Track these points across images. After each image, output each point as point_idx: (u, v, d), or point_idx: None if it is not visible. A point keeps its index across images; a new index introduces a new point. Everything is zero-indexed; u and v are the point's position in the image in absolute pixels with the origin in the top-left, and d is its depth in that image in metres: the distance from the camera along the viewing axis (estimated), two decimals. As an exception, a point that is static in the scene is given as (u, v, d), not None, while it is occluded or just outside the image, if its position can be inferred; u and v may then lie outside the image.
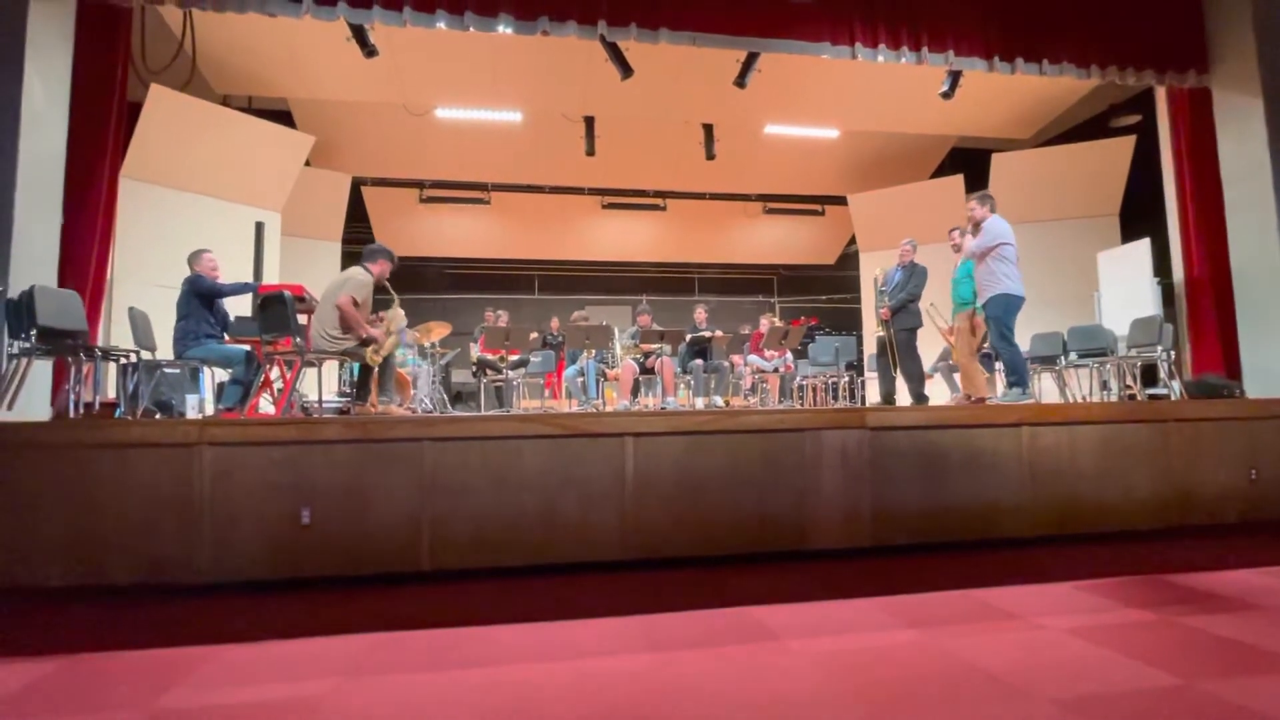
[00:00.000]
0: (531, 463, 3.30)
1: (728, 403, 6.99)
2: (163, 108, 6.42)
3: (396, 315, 4.63)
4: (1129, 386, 6.00)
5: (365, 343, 4.42)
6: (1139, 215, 7.89)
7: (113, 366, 4.80)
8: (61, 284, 4.40)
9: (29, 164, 4.20)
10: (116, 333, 5.89)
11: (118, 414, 4.44)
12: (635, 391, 6.63)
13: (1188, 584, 2.92)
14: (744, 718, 1.75)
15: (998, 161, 8.41)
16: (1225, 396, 4.94)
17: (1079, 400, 6.20)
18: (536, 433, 3.33)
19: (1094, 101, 8.47)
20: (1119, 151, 8.12)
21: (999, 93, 7.82)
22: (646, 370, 6.57)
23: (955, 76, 6.65)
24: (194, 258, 4.67)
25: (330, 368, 6.50)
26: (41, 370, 4.30)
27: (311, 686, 1.99)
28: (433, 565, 3.16)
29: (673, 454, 3.43)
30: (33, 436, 3.07)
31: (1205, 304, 6.04)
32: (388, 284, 4.66)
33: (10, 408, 3.87)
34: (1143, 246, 6.79)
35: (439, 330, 7.13)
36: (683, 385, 6.92)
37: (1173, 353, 5.67)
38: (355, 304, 4.33)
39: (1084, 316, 7.17)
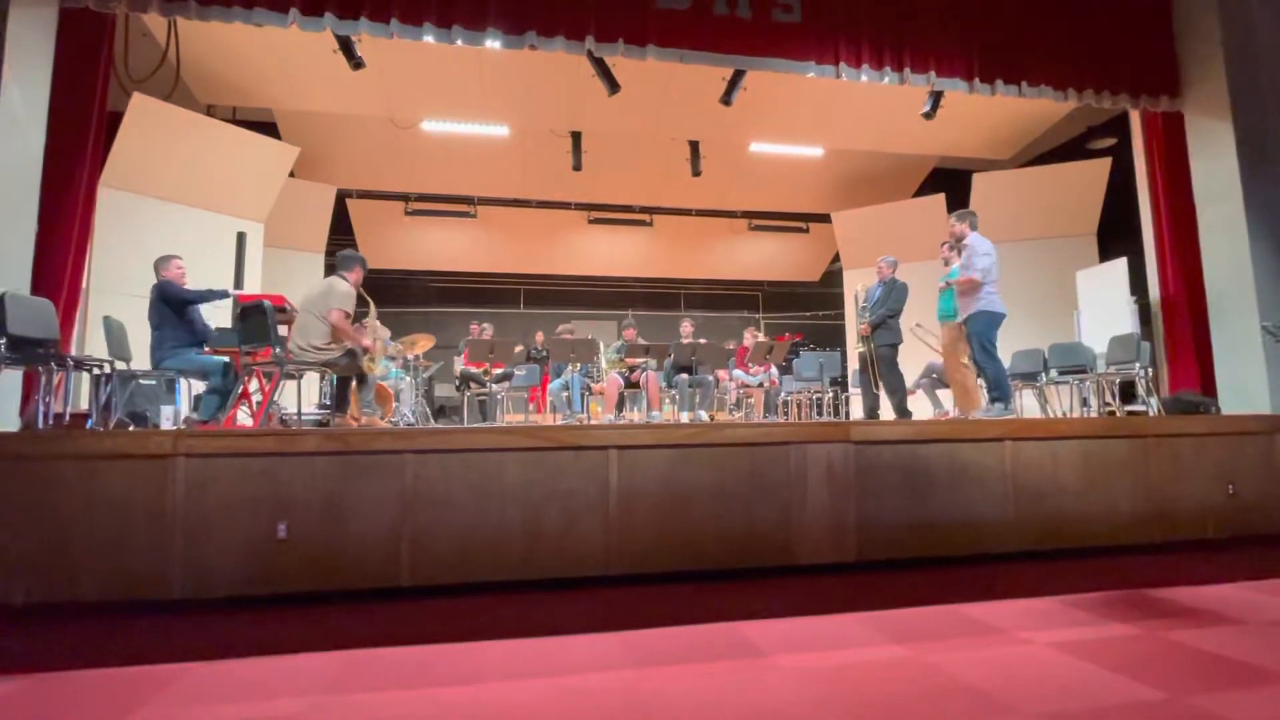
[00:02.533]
0: (515, 476, 3.26)
1: (712, 417, 6.99)
2: (144, 117, 6.35)
3: (377, 328, 4.60)
4: (1108, 403, 6.08)
5: (350, 354, 4.39)
6: (1116, 235, 8.05)
7: (86, 377, 4.69)
8: (35, 292, 4.30)
9: (4, 170, 4.13)
10: (92, 343, 5.77)
11: (89, 425, 4.33)
12: (620, 405, 6.60)
13: (1170, 598, 2.93)
14: (730, 735, 1.72)
15: (979, 181, 8.56)
16: (1202, 413, 5.02)
17: (1060, 416, 6.27)
18: (520, 445, 3.29)
19: (1071, 124, 8.67)
20: (1096, 173, 8.30)
21: (979, 114, 7.98)
22: (631, 384, 6.55)
23: (937, 97, 6.77)
24: (161, 262, 4.58)
25: (310, 380, 6.41)
26: (11, 380, 4.19)
27: (286, 705, 1.93)
28: (413, 580, 3.10)
29: (658, 468, 3.40)
30: (0, 448, 2.98)
31: (1181, 322, 6.16)
32: (364, 292, 4.63)
33: (-23, 418, 3.77)
34: (1120, 266, 6.92)
35: (423, 343, 7.07)
36: (668, 399, 6.90)
37: (1150, 370, 5.76)
38: (346, 316, 4.32)
39: (1064, 334, 7.27)
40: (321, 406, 6.34)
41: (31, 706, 1.95)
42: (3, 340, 3.73)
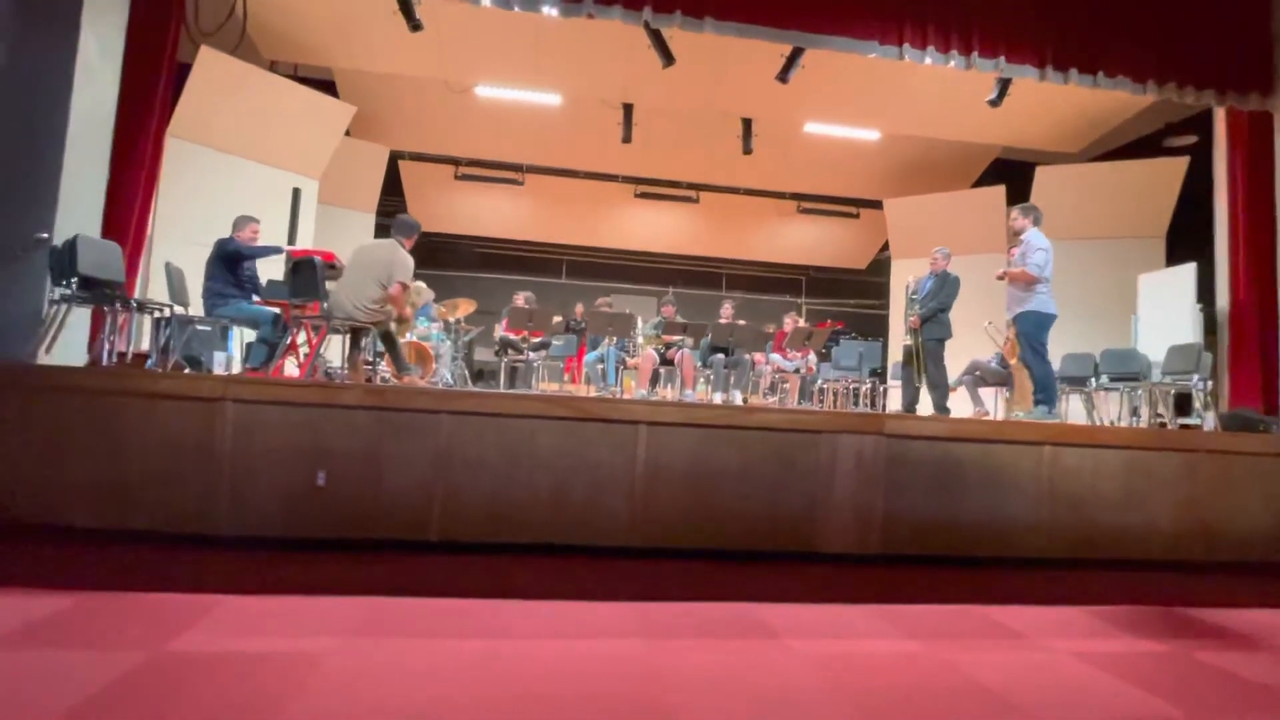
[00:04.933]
0: (545, 443, 3.32)
1: (746, 400, 6.95)
2: (211, 69, 6.52)
3: (421, 290, 4.69)
4: (1160, 414, 5.84)
5: (389, 320, 4.51)
6: (1186, 239, 7.64)
7: (148, 319, 4.92)
8: (104, 236, 4.52)
9: (80, 117, 4.30)
10: (154, 287, 6.03)
11: (149, 365, 4.55)
12: (654, 382, 6.61)
13: (1203, 619, 2.85)
14: (736, 710, 1.75)
15: (1042, 174, 8.19)
16: (1261, 432, 4.78)
17: (1106, 424, 6.05)
18: (553, 414, 3.34)
19: (1149, 119, 8.19)
20: (1171, 172, 7.86)
21: (1049, 104, 7.60)
22: (667, 362, 6.56)
23: (1004, 84, 6.47)
24: (240, 222, 4.72)
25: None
26: (80, 318, 4.42)
27: (314, 643, 2.03)
28: (441, 536, 3.20)
29: (686, 446, 3.42)
30: (68, 381, 3.17)
31: (1249, 334, 5.85)
32: None
33: (49, 352, 4.00)
34: (1187, 271, 6.57)
35: (465, 307, 7.19)
36: (702, 379, 6.89)
37: (1209, 383, 5.49)
38: (405, 288, 4.44)
39: (1119, 339, 6.97)
40: (365, 363, 6.53)
41: (82, 623, 2.10)
42: (74, 279, 3.94)
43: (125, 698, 1.63)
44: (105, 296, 4.15)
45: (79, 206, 4.34)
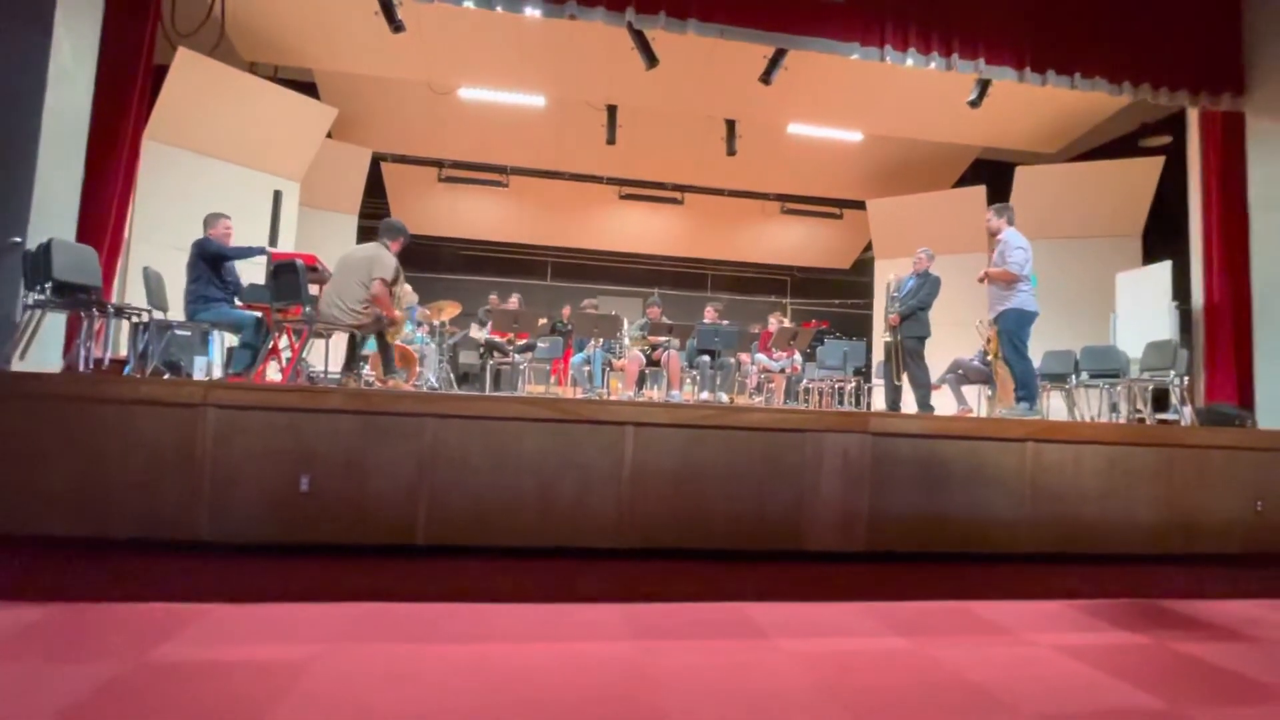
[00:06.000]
0: (532, 445, 3.30)
1: (732, 400, 6.97)
2: (189, 71, 6.43)
3: (406, 293, 4.66)
4: (1139, 410, 5.94)
5: (377, 319, 4.47)
6: (1162, 238, 7.78)
7: (125, 324, 4.85)
8: (80, 240, 4.43)
9: (54, 120, 4.22)
10: (131, 292, 5.93)
11: (126, 371, 4.48)
12: (640, 383, 6.62)
13: (1184, 611, 2.89)
14: (726, 710, 1.75)
15: (1021, 174, 8.31)
16: (1237, 425, 4.88)
17: (1086, 420, 6.14)
18: (538, 416, 3.33)
19: (1125, 119, 8.34)
20: (1146, 172, 8.00)
21: (1027, 105, 7.71)
22: (653, 363, 6.56)
23: (984, 85, 6.56)
24: (210, 220, 4.68)
25: (339, 339, 6.52)
26: (55, 323, 4.34)
27: (300, 650, 2.01)
28: (427, 540, 3.18)
29: (673, 446, 3.42)
30: (43, 388, 3.10)
31: (1223, 331, 5.96)
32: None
33: (23, 358, 3.92)
34: (1163, 269, 6.69)
35: (450, 310, 7.15)
36: (688, 380, 6.90)
37: (1186, 379, 5.59)
38: (386, 285, 4.39)
39: (1098, 336, 7.08)
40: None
41: (63, 634, 2.06)
42: (49, 284, 3.86)
43: (105, 709, 1.60)
44: (81, 301, 4.07)
45: (53, 210, 4.26)
